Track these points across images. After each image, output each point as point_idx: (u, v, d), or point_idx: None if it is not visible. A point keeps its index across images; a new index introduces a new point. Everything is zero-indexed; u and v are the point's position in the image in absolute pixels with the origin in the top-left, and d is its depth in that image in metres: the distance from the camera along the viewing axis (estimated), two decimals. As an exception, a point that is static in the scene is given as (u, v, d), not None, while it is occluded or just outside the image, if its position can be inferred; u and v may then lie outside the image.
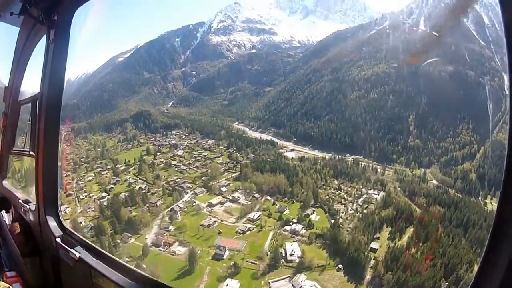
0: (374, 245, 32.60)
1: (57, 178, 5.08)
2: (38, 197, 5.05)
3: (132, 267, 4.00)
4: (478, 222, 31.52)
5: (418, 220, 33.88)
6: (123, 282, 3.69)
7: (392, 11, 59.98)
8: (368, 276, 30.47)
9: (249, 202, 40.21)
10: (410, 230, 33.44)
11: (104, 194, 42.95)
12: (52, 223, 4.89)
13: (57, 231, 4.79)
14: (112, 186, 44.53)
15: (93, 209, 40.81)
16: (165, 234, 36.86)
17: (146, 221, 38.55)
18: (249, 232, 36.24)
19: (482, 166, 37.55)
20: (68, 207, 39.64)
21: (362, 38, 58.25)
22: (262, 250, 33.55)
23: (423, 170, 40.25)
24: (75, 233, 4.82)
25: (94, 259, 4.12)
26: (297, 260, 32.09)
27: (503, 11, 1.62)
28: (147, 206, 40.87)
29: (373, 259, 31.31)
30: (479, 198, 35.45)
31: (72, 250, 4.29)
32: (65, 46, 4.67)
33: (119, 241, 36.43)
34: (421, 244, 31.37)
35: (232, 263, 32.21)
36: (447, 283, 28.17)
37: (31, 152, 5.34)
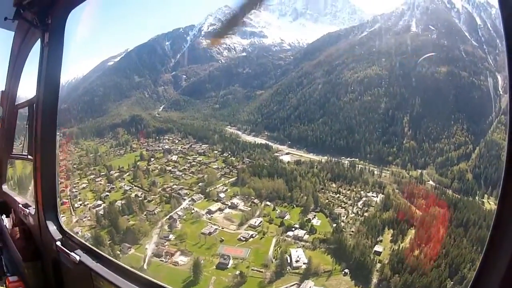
0: (378, 248, 32.53)
1: (56, 181, 5.11)
2: (37, 200, 5.08)
3: (133, 270, 3.98)
4: (478, 221, 31.75)
5: (419, 222, 33.97)
6: (124, 284, 3.69)
7: (383, 12, 60.34)
8: (375, 280, 30.36)
9: (249, 208, 39.53)
10: (412, 232, 33.50)
11: (99, 202, 41.66)
12: (52, 227, 4.93)
13: (57, 235, 4.84)
14: (107, 193, 43.27)
15: (89, 218, 39.55)
16: (165, 244, 35.88)
17: (145, 230, 37.49)
18: (251, 239, 35.57)
19: (478, 166, 37.88)
20: (63, 216, 37.85)
21: (353, 40, 58.41)
22: (267, 257, 33.02)
23: (419, 171, 40.34)
24: (75, 236, 4.80)
25: (94, 262, 4.22)
26: (303, 266, 31.68)
27: (502, 9, 1.56)
28: (145, 214, 39.75)
29: (379, 262, 31.12)
30: (477, 198, 35.66)
31: (72, 254, 4.34)
32: (60, 49, 4.71)
33: (119, 252, 35.23)
34: (424, 245, 31.43)
35: (237, 272, 31.57)
36: (452, 283, 28.27)
37: (29, 156, 5.38)
